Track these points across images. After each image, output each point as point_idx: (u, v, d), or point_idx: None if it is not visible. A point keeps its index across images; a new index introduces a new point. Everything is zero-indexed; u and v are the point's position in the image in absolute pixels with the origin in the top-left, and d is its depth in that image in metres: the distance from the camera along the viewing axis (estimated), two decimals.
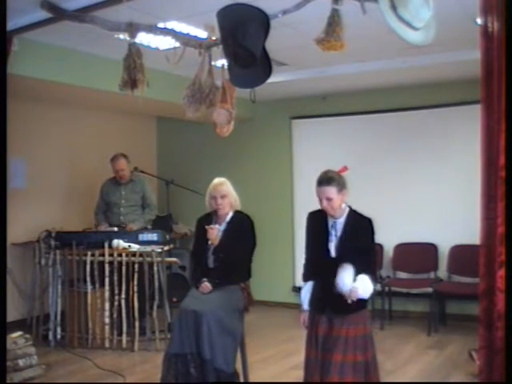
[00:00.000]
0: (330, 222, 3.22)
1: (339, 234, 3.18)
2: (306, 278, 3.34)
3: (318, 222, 3.27)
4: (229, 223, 3.91)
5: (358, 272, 3.04)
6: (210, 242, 3.82)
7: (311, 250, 3.31)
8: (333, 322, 3.15)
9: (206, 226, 3.83)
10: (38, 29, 3.87)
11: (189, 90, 3.43)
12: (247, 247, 3.88)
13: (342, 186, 3.16)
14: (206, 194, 3.96)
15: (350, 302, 3.01)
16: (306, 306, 3.30)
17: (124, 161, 5.84)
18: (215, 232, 3.81)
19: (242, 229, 3.89)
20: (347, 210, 3.23)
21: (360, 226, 3.20)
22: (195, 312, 3.59)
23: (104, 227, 5.75)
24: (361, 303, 3.14)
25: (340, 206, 3.17)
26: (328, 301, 3.16)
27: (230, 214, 3.92)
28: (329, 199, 3.13)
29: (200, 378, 3.55)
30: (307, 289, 3.30)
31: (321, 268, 3.22)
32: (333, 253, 3.18)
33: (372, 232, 3.21)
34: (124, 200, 5.89)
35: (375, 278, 3.19)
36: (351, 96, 6.56)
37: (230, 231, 3.88)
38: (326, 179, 3.14)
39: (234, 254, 3.79)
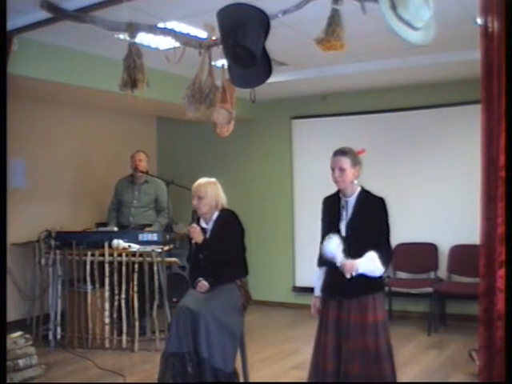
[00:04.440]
0: (342, 202, 3.21)
1: (350, 213, 3.16)
2: (319, 264, 3.30)
3: (332, 204, 3.27)
4: (215, 222, 3.91)
5: (367, 250, 3.02)
6: (193, 241, 3.83)
7: (325, 233, 3.25)
8: (342, 306, 3.12)
9: (188, 226, 3.85)
10: (38, 29, 3.87)
11: (189, 90, 3.43)
12: (234, 242, 3.86)
13: (355, 161, 3.17)
14: None
15: (348, 276, 2.98)
16: (317, 292, 3.30)
17: (143, 154, 5.99)
18: (196, 231, 3.79)
19: (227, 225, 3.88)
20: (359, 189, 3.22)
21: (371, 205, 3.18)
22: (192, 311, 3.58)
23: (112, 226, 5.77)
24: (369, 286, 3.09)
25: (351, 181, 3.16)
26: (337, 284, 3.13)
27: (216, 214, 3.91)
28: (341, 169, 3.14)
29: (198, 377, 3.53)
30: (320, 275, 3.29)
31: None
32: (343, 232, 3.14)
33: (385, 211, 3.17)
34: (136, 200, 5.92)
35: (388, 258, 3.09)
36: (351, 96, 6.56)
37: (215, 229, 3.88)
38: (341, 150, 3.19)
39: (221, 250, 3.78)
